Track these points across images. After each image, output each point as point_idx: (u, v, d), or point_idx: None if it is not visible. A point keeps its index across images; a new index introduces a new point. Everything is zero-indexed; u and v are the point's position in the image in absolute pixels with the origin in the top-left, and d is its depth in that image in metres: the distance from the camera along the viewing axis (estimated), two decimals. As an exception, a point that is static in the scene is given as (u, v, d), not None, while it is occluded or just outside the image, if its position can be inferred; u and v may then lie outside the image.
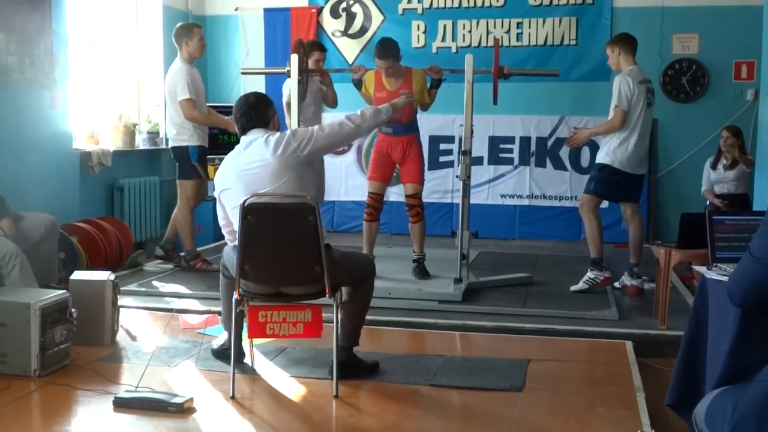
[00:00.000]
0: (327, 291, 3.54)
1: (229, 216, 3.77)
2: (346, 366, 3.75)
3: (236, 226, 3.57)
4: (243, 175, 3.68)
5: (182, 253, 6.36)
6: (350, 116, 4.01)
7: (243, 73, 7.13)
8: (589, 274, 5.69)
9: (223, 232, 3.92)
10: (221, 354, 4.02)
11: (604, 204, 5.86)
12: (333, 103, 6.51)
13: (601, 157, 5.67)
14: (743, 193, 6.86)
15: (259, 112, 3.80)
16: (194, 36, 6.18)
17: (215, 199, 3.89)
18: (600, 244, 5.69)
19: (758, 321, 2.25)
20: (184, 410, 3.34)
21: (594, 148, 6.67)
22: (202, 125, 6.18)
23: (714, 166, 7.04)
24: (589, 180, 5.78)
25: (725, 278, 2.50)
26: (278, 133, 3.79)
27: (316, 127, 3.89)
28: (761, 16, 5.77)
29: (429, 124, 7.73)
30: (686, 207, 6.72)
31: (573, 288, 5.68)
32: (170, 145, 6.33)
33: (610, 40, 5.96)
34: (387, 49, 5.58)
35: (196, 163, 6.11)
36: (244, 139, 3.79)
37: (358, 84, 5.77)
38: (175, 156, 6.29)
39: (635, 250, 5.69)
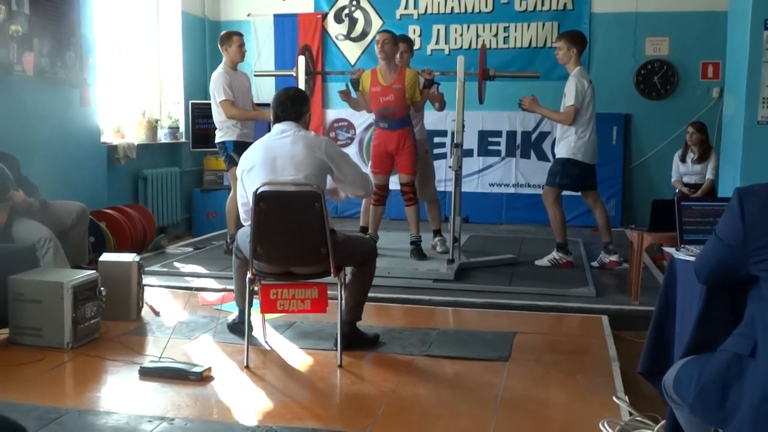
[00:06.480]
0: (332, 271, 3.55)
1: (249, 195, 3.68)
2: (349, 338, 3.76)
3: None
4: (270, 158, 3.62)
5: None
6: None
7: (256, 75, 7.07)
8: (554, 255, 5.80)
9: (240, 211, 3.82)
10: (235, 328, 4.02)
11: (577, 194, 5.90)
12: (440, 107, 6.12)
13: (563, 153, 5.64)
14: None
15: (295, 105, 3.73)
16: (233, 43, 6.06)
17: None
18: (564, 230, 5.76)
19: (721, 297, 2.24)
20: (203, 378, 3.36)
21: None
22: (244, 120, 6.05)
23: (683, 160, 7.05)
24: (553, 174, 5.74)
25: (692, 258, 2.50)
26: (313, 132, 3.77)
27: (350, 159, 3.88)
28: (726, 20, 5.75)
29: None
30: (657, 194, 6.72)
31: (537, 262, 5.83)
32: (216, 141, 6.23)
33: (568, 36, 5.64)
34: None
35: (233, 153, 5.97)
36: (276, 127, 3.72)
37: (356, 84, 5.73)
38: (219, 150, 6.23)
39: (605, 230, 5.72)
